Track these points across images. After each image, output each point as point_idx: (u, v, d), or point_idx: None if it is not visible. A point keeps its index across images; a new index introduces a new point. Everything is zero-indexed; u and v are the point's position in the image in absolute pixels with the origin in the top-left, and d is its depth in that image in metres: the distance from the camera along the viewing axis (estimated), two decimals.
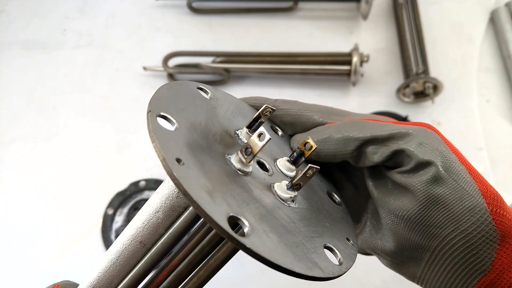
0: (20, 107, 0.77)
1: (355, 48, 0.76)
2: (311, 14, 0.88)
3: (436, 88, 0.75)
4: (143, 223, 0.27)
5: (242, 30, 0.85)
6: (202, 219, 0.26)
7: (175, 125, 0.24)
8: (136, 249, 0.28)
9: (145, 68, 0.79)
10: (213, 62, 0.77)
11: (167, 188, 0.26)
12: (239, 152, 0.25)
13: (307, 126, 0.32)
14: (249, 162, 0.25)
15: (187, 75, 0.80)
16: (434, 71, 0.79)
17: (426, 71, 0.76)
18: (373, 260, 0.63)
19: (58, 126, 0.75)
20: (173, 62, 0.79)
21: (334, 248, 0.26)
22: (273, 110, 0.28)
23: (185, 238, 0.27)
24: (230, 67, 0.76)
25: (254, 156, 0.24)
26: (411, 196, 0.28)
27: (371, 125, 0.30)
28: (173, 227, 0.27)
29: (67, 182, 0.71)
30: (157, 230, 0.27)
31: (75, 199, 0.70)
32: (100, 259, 0.30)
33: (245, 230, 0.21)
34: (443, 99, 0.78)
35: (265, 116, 0.28)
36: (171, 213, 0.26)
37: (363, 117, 0.31)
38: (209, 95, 0.29)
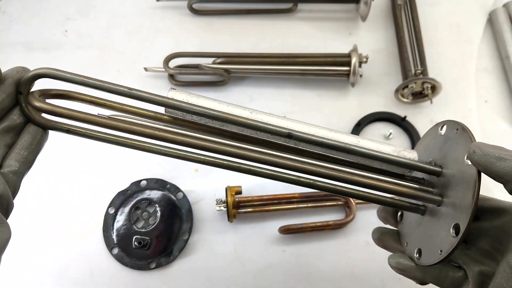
0: None
1: (354, 49, 0.77)
2: (310, 15, 0.88)
3: (434, 88, 0.76)
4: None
5: (242, 31, 0.86)
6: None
7: None
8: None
9: (146, 69, 0.79)
10: (214, 63, 0.78)
11: None
12: None
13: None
14: None
15: (187, 76, 0.80)
16: (433, 72, 0.80)
17: (424, 71, 0.77)
18: (372, 259, 0.63)
19: None
20: (174, 63, 0.79)
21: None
22: None
23: None
24: (230, 68, 0.77)
25: None
26: None
27: None
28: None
29: (68, 181, 0.71)
30: None
31: (77, 199, 0.70)
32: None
33: None
34: (442, 99, 0.78)
35: None
36: None
37: None
38: None
